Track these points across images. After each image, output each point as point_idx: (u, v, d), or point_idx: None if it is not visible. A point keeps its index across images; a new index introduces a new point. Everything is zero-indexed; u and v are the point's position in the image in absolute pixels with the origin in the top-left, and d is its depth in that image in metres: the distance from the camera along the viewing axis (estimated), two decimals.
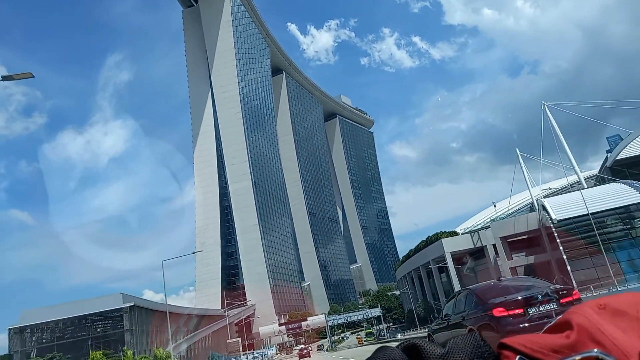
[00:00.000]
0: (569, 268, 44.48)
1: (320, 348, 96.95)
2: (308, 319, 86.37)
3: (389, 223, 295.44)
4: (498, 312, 9.49)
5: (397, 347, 0.85)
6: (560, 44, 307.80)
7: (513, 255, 67.40)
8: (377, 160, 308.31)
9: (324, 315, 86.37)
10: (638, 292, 0.82)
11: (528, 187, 64.47)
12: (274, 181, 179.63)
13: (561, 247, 45.94)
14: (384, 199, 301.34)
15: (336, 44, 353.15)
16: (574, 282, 44.61)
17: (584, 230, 45.70)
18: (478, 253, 74.60)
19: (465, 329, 10.24)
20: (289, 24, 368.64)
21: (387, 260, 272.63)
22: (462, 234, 74.74)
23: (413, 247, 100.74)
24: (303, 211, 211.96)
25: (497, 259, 70.78)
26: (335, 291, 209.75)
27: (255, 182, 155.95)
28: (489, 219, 74.61)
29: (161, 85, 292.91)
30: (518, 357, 0.81)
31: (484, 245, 71.97)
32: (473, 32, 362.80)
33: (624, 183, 47.66)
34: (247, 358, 58.61)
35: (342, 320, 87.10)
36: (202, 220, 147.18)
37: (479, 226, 76.91)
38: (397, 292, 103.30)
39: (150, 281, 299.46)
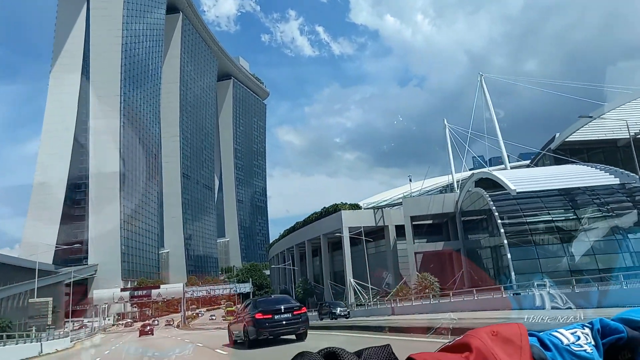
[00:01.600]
0: (509, 256, 35.70)
1: (169, 323, 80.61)
2: (161, 286, 69.43)
3: (266, 202, 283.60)
4: (258, 315, 15.74)
5: (318, 352, 0.90)
6: (448, 65, 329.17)
7: (418, 240, 58.78)
8: (265, 134, 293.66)
9: (182, 285, 70.23)
10: (521, 323, 0.94)
11: (451, 166, 56.18)
12: (148, 128, 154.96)
13: (502, 230, 37.08)
14: (265, 176, 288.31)
15: (239, 14, 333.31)
16: (512, 273, 35.72)
17: (531, 214, 37.50)
18: (378, 233, 65.08)
19: (243, 322, 16.54)
20: None
21: (256, 239, 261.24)
22: (364, 209, 64.46)
23: (286, 229, 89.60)
24: (176, 171, 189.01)
25: (399, 242, 61.86)
26: (197, 263, 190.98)
27: (124, 122, 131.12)
28: (399, 196, 65.43)
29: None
30: None
31: (385, 224, 62.53)
32: (374, 35, 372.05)
33: (586, 165, 40.79)
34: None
35: (204, 293, 72.06)
36: (47, 155, 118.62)
37: (384, 204, 67.46)
38: (273, 268, 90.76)
39: None
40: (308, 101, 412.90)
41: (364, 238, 54.55)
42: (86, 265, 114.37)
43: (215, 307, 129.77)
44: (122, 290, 69.77)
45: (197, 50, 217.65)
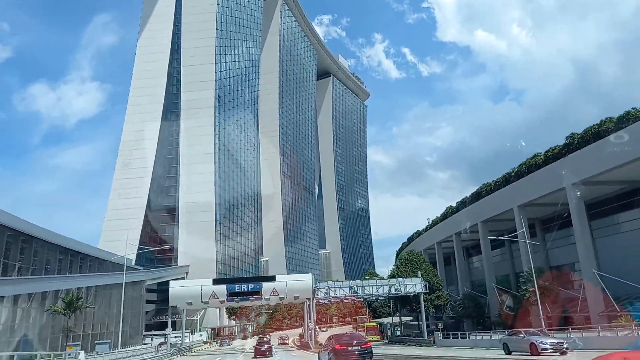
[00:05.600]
0: None
1: (283, 342, 53.18)
2: (277, 277, 41.67)
3: (368, 211, 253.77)
4: (338, 346, 21.27)
5: None
6: (549, 76, 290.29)
7: None
8: (366, 137, 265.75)
9: (310, 276, 42.21)
10: None
11: None
12: (245, 115, 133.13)
13: None
14: (367, 182, 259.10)
15: (326, 41, 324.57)
16: None
17: None
18: None
19: (328, 350, 22.33)
20: None
21: (359, 253, 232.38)
22: None
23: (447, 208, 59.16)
24: (276, 169, 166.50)
25: None
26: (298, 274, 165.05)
27: (219, 96, 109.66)
28: None
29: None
30: None
31: None
32: (464, 51, 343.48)
33: None
34: None
35: (345, 291, 43.47)
36: (131, 133, 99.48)
37: None
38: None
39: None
40: (396, 122, 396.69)
41: None
42: (175, 266, 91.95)
43: (324, 324, 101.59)
44: (215, 282, 43.79)
45: (296, 40, 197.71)
